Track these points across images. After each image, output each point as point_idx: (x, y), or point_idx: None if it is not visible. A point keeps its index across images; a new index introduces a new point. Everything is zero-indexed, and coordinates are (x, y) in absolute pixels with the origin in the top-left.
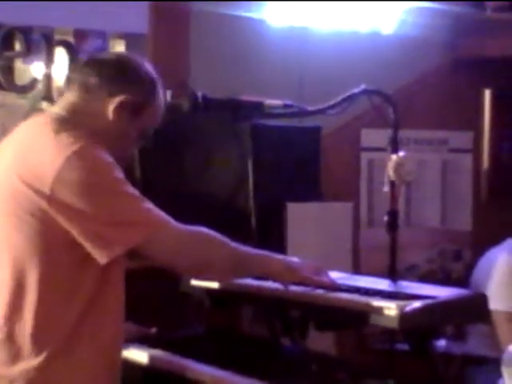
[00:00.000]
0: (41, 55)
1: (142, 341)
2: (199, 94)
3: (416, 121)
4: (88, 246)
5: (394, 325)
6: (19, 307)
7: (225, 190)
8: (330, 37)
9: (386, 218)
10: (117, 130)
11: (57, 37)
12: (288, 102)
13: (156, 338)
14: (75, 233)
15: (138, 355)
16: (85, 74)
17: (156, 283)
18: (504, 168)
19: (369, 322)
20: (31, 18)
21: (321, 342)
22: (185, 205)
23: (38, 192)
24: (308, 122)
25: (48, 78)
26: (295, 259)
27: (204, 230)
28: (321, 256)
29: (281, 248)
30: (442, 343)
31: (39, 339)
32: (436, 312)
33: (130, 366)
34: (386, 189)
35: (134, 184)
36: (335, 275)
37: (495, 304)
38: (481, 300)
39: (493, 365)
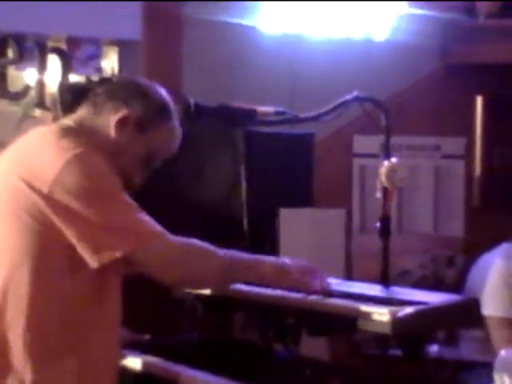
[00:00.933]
0: (34, 62)
1: (135, 347)
2: (192, 102)
3: (408, 127)
4: (80, 249)
5: (387, 330)
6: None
7: (218, 197)
8: (322, 44)
9: (378, 224)
10: (119, 146)
11: (50, 44)
12: (280, 109)
13: (149, 344)
14: (69, 234)
15: (131, 361)
16: (96, 91)
17: (149, 289)
18: (496, 174)
19: (361, 328)
20: (24, 24)
21: (314, 347)
22: (178, 211)
23: (37, 192)
24: (300, 129)
25: (41, 84)
26: (287, 260)
27: (196, 242)
28: (313, 261)
29: (273, 254)
30: (434, 348)
31: (30, 344)
32: (428, 317)
33: (123, 373)
34: (379, 195)
35: (129, 191)
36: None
37: (489, 309)
38: (473, 305)
39: (485, 370)
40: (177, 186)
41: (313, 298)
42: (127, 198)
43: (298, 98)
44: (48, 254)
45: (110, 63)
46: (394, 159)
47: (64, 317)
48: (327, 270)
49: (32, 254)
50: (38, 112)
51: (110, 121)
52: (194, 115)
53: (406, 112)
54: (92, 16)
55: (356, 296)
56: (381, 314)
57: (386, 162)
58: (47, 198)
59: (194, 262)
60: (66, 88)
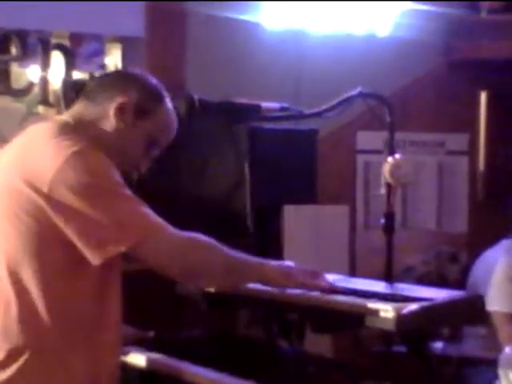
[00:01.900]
0: (37, 59)
1: (140, 344)
2: (196, 98)
3: (412, 123)
4: (81, 246)
5: (391, 327)
6: (13, 309)
7: (222, 193)
8: (325, 39)
9: (382, 221)
10: (119, 135)
11: (53, 40)
12: (284, 105)
13: (153, 340)
14: (69, 232)
15: (136, 358)
16: (91, 85)
17: (153, 286)
18: (500, 170)
19: (365, 324)
20: (27, 21)
21: (318, 344)
22: (182, 207)
23: (36, 190)
24: (304, 125)
25: (44, 81)
26: (291, 264)
27: (200, 236)
28: (317, 258)
29: (277, 250)
30: (438, 345)
31: (32, 343)
32: (432, 314)
33: (128, 369)
34: (383, 191)
35: (131, 187)
36: (332, 277)
37: (495, 305)
38: (476, 302)
39: (489, 366)
40: (180, 181)
41: (317, 294)
42: (129, 192)
43: (302, 94)
44: (48, 254)
45: (114, 60)
46: (397, 155)
47: (65, 316)
48: (331, 266)
49: (32, 254)
50: (41, 109)
51: (108, 111)
52: (198, 111)
53: (409, 108)
54: (95, 13)
55: (360, 292)
56: (385, 311)
57: (390, 158)
58: (47, 197)
59: (199, 254)
60: (69, 85)
